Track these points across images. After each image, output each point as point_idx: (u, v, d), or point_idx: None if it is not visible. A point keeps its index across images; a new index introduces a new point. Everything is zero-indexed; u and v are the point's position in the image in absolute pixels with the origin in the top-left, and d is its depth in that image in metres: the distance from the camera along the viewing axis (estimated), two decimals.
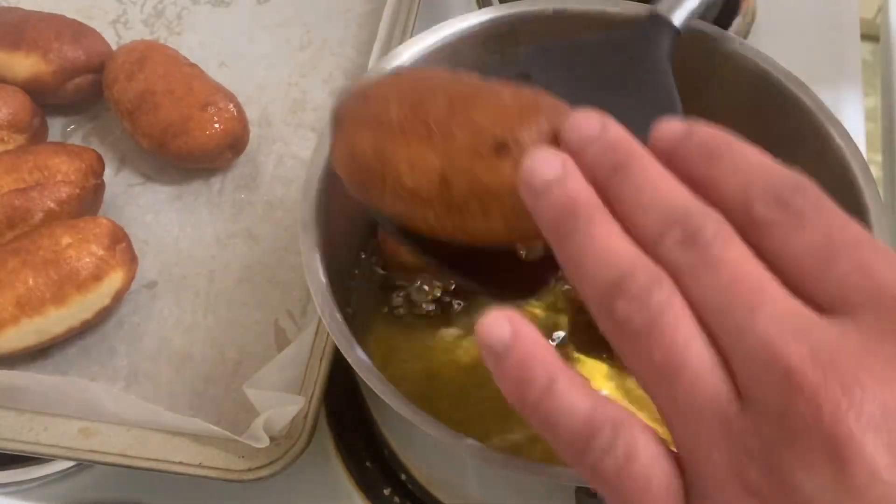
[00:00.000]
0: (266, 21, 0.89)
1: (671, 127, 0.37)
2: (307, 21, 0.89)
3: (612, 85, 0.58)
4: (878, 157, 0.88)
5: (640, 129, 0.56)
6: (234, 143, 0.77)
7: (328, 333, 0.61)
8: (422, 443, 0.59)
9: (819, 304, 0.32)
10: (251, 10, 0.90)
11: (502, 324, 0.35)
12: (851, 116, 0.87)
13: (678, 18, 0.57)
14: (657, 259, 0.34)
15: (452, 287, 0.64)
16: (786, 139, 0.63)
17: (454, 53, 0.65)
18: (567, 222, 0.35)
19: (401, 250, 0.62)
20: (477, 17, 0.65)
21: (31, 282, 0.65)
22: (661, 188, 0.35)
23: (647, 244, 0.34)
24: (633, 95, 0.58)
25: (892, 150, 0.87)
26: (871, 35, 1.02)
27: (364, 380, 0.51)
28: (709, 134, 0.36)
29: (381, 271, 0.63)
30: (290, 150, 0.80)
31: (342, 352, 0.52)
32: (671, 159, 0.36)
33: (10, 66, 0.78)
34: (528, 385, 0.34)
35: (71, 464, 0.68)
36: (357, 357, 0.52)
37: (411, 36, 0.69)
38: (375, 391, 0.50)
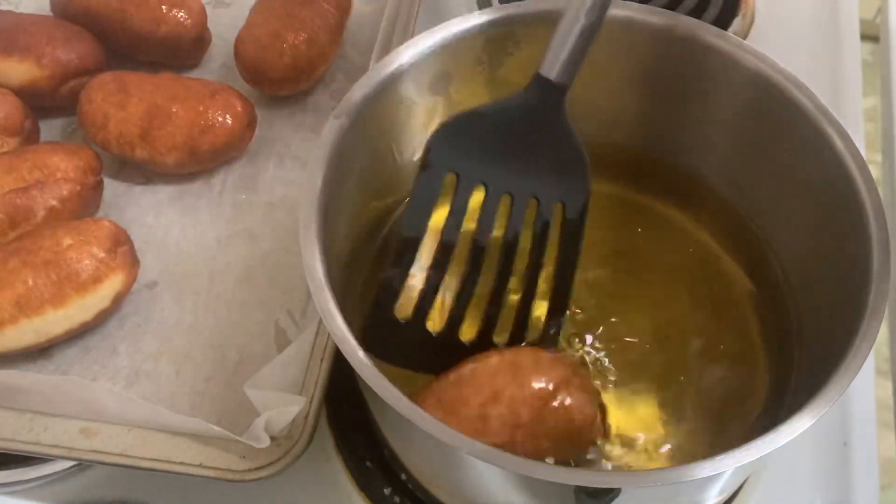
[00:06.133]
0: None
1: None
2: None
3: (516, 147, 0.62)
4: (878, 158, 0.88)
5: (552, 184, 0.61)
6: (251, 121, 0.78)
7: (328, 333, 0.61)
8: (422, 443, 0.59)
9: None
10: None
11: None
12: (851, 117, 0.87)
13: (559, 75, 0.60)
14: None
15: None
16: (786, 139, 0.63)
17: (454, 54, 0.66)
18: None
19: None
20: (477, 19, 0.65)
21: (30, 282, 0.65)
22: None
23: None
24: (537, 151, 0.62)
25: (892, 151, 0.87)
26: (870, 35, 1.02)
27: (365, 380, 0.51)
28: None
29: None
30: (290, 150, 0.80)
31: (343, 352, 0.52)
32: None
33: (3, 71, 0.78)
34: None
35: (71, 463, 0.68)
36: (358, 357, 0.52)
37: (412, 37, 0.69)
38: (376, 391, 0.50)
